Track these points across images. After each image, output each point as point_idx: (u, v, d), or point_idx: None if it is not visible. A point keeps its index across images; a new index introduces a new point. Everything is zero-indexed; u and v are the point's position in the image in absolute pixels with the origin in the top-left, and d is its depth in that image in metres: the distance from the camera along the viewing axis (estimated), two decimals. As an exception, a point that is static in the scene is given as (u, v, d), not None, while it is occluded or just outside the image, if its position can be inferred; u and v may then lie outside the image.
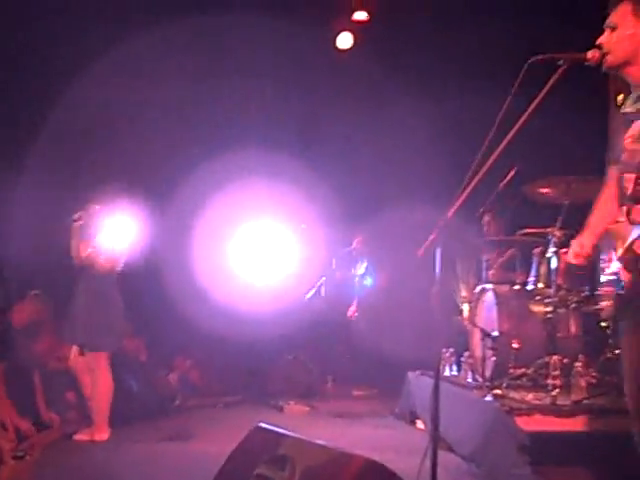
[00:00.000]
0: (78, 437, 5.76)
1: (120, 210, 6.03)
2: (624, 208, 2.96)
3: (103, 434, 5.76)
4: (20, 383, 5.90)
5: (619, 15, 3.01)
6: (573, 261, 3.22)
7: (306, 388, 8.05)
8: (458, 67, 7.93)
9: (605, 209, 3.21)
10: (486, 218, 6.76)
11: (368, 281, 8.90)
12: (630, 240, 2.85)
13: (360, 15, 8.69)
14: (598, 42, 3.04)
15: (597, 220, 3.22)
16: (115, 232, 6.00)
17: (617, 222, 3.00)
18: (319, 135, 9.01)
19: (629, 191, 2.93)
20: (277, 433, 2.91)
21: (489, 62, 7.29)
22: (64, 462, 5.08)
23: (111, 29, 7.42)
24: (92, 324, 5.83)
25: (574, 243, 3.24)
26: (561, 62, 3.00)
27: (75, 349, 5.94)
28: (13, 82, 7.33)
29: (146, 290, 7.47)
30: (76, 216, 6.00)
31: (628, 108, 3.06)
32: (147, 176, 7.95)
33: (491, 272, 6.39)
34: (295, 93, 8.50)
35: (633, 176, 2.93)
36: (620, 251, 2.93)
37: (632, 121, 3.02)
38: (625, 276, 2.91)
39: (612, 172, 3.21)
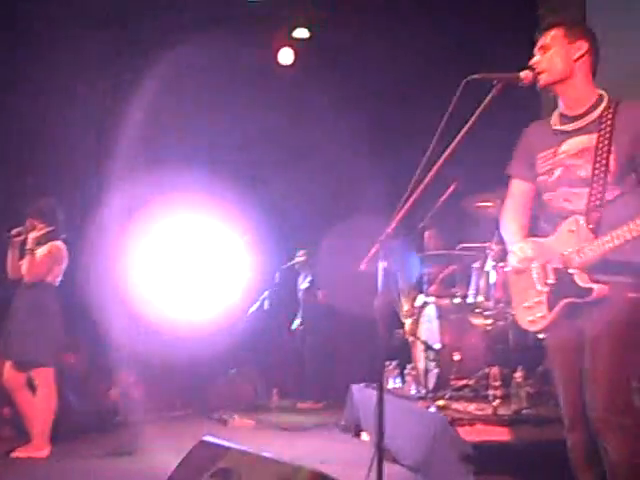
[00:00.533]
0: (16, 454, 5.64)
1: (53, 225, 5.98)
2: (566, 220, 3.05)
3: (43, 451, 5.67)
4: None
5: (551, 37, 3.10)
6: (520, 266, 3.19)
7: (251, 402, 8.05)
8: (398, 83, 8.06)
9: (521, 221, 3.32)
10: (427, 233, 6.87)
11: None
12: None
13: (301, 33, 8.77)
14: (530, 64, 3.14)
15: (518, 230, 3.31)
16: (49, 246, 5.93)
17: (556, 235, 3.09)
18: (261, 150, 9.03)
19: (581, 204, 3.02)
20: (222, 446, 2.92)
21: (428, 79, 7.43)
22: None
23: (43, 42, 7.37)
24: (33, 339, 5.74)
25: (515, 249, 3.24)
26: (495, 82, 3.09)
27: (9, 364, 5.83)
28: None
29: (85, 305, 7.37)
30: (14, 232, 5.92)
31: (565, 126, 3.14)
32: (75, 190, 7.89)
33: (432, 287, 6.49)
34: (236, 108, 8.50)
35: (580, 191, 3.03)
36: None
37: (565, 139, 3.11)
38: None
39: (519, 185, 3.32)
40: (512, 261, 3.24)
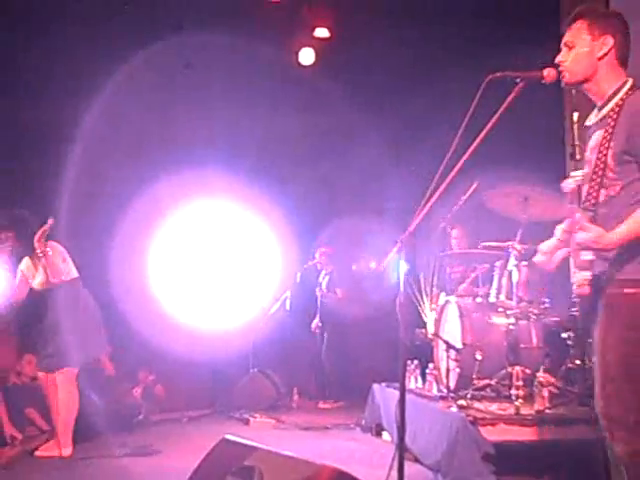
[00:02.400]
0: (40, 453, 5.69)
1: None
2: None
3: (66, 450, 5.71)
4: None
5: (574, 33, 3.06)
6: (539, 259, 3.20)
7: (272, 401, 8.06)
8: (419, 82, 8.04)
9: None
10: (454, 232, 6.84)
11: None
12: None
13: (321, 32, 8.78)
14: (556, 61, 3.11)
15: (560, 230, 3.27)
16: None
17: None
18: (282, 149, 9.06)
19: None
20: (244, 445, 2.92)
21: (450, 77, 7.39)
22: (26, 478, 5.04)
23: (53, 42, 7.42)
24: (57, 342, 5.78)
25: (541, 247, 3.24)
26: (518, 80, 3.07)
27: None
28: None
29: (107, 303, 7.42)
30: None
31: (590, 121, 3.14)
32: (101, 191, 7.93)
33: (462, 287, 6.46)
34: (258, 108, 8.52)
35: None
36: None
37: (591, 134, 3.10)
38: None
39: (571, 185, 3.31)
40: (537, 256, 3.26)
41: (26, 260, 5.90)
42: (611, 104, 3.00)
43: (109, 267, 7.78)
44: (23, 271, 5.94)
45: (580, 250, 2.89)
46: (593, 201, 2.94)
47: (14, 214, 5.95)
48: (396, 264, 3.18)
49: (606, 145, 2.93)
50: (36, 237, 5.68)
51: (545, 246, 3.26)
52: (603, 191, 2.93)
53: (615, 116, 2.94)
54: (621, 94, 3.00)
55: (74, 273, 5.98)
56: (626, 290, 2.88)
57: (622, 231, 2.83)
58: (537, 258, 3.28)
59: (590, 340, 3.15)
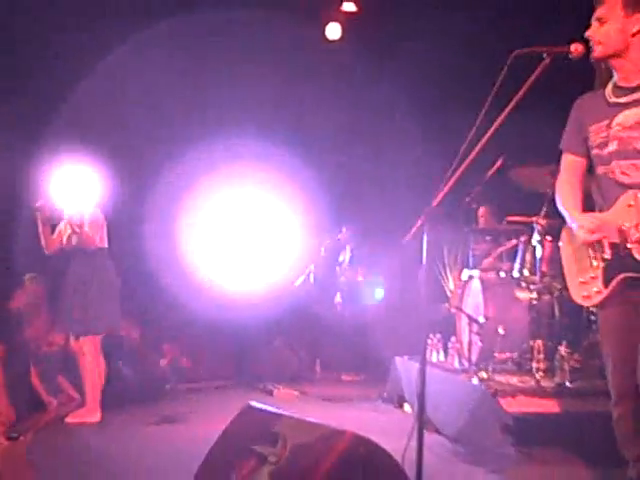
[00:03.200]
0: (70, 419, 5.83)
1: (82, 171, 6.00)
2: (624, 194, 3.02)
3: (95, 416, 5.85)
4: (17, 367, 5.96)
5: (608, 8, 3.05)
6: (592, 238, 3.07)
7: (295, 373, 8.15)
8: (446, 58, 8.00)
9: (577, 195, 3.28)
10: (482, 210, 6.85)
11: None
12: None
13: (349, 6, 8.75)
14: (586, 35, 3.10)
15: (577, 204, 3.26)
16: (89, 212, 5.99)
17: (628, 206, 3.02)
18: (308, 124, 9.07)
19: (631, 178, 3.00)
20: (267, 411, 3.01)
21: (478, 53, 7.36)
22: (57, 444, 5.16)
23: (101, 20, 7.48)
24: (81, 308, 5.90)
25: (581, 221, 3.15)
26: (545, 55, 3.07)
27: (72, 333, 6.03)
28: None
29: (134, 274, 7.53)
30: (39, 204, 5.88)
31: (620, 99, 3.12)
32: (134, 160, 8.01)
33: (488, 260, 6.49)
34: (284, 83, 8.55)
35: (638, 162, 3.02)
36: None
37: (620, 111, 3.09)
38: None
39: (572, 159, 3.30)
40: (584, 234, 3.12)
41: (66, 218, 6.02)
42: None
43: (140, 239, 7.90)
44: (61, 229, 6.08)
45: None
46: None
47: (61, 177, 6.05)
48: (420, 238, 3.21)
49: (617, 120, 2.95)
50: (38, 203, 5.83)
51: (586, 221, 3.15)
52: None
53: None
54: None
55: (105, 243, 6.10)
56: None
57: None
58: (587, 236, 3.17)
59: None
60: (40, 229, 5.96)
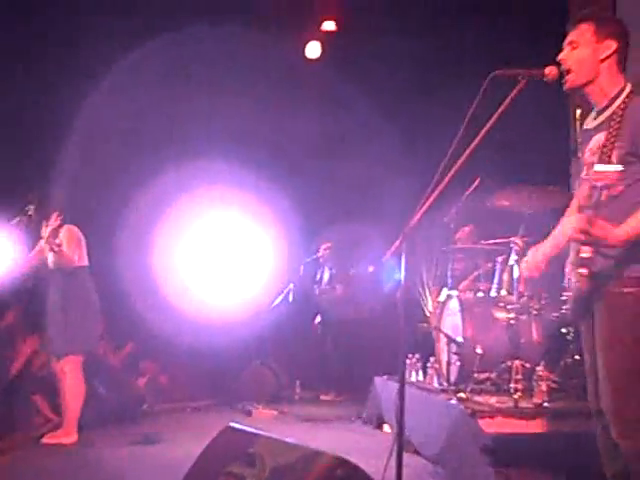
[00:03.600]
0: (47, 440, 5.77)
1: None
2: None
3: (71, 437, 5.79)
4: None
5: (580, 34, 3.11)
6: (525, 274, 3.33)
7: (274, 393, 8.12)
8: (425, 76, 8.08)
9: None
10: (465, 229, 6.88)
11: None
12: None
13: (329, 25, 8.82)
14: (558, 58, 3.16)
15: (559, 231, 3.32)
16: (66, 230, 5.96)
17: None
18: (287, 143, 9.10)
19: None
20: (246, 432, 2.99)
21: (454, 73, 7.44)
22: (33, 464, 5.12)
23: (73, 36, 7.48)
24: (61, 328, 5.85)
25: (529, 254, 3.34)
26: (520, 77, 3.12)
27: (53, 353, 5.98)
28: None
29: (112, 293, 7.49)
30: (14, 222, 5.94)
31: (589, 125, 3.19)
32: (107, 183, 8.00)
33: (465, 283, 6.51)
34: (263, 103, 8.58)
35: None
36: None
37: (591, 136, 3.15)
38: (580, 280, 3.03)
39: (576, 186, 3.36)
40: (522, 267, 3.44)
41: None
42: (614, 107, 3.06)
43: (115, 258, 7.86)
44: (43, 248, 6.03)
45: (580, 246, 2.94)
46: (594, 200, 2.98)
47: (41, 192, 6.08)
48: (398, 257, 3.23)
49: (610, 147, 2.98)
50: (46, 234, 5.78)
51: (531, 257, 3.33)
52: (605, 191, 2.98)
53: (619, 119, 2.99)
54: (622, 97, 3.06)
55: (85, 261, 6.06)
56: (626, 289, 2.93)
57: (630, 227, 2.87)
58: (524, 269, 3.35)
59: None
60: (12, 248, 6.00)
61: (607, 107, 3.10)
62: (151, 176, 8.20)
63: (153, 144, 8.45)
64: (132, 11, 7.71)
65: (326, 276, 9.00)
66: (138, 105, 8.09)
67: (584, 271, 2.91)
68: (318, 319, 8.93)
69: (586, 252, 2.89)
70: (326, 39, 9.03)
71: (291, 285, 8.87)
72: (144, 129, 8.40)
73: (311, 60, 9.06)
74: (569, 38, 3.16)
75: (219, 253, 9.10)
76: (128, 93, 7.96)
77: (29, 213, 5.97)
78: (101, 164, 8.04)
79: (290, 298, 8.81)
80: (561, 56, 3.15)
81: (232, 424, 3.10)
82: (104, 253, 7.32)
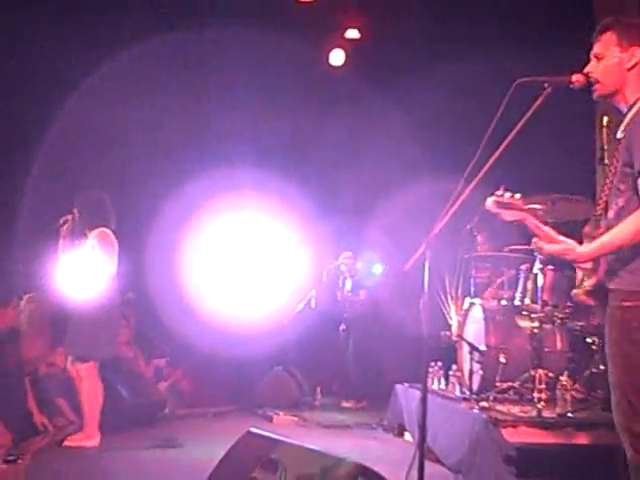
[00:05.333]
0: (68, 443, 5.79)
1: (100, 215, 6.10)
2: None
3: (94, 440, 5.82)
4: (11, 388, 5.93)
5: (603, 44, 3.08)
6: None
7: (295, 399, 8.12)
8: (448, 84, 8.05)
9: None
10: (479, 238, 6.84)
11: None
12: None
13: (352, 33, 8.84)
14: (585, 71, 3.13)
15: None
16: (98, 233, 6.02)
17: None
18: (311, 151, 9.11)
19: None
20: (267, 438, 2.99)
21: (478, 82, 7.41)
22: (55, 467, 5.14)
23: (102, 46, 7.55)
24: (77, 332, 5.90)
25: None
26: (546, 85, 3.10)
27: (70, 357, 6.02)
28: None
29: (139, 300, 7.55)
30: (62, 220, 6.09)
31: (619, 134, 3.16)
32: (134, 190, 8.06)
33: (489, 290, 6.47)
34: (287, 109, 8.60)
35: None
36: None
37: (618, 144, 3.12)
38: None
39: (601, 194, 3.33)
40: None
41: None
42: (630, 115, 3.03)
43: (142, 264, 7.91)
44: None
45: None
46: (602, 212, 2.97)
47: (87, 195, 6.20)
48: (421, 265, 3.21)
49: (617, 156, 2.96)
50: (61, 221, 5.95)
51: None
52: (614, 202, 2.95)
53: (628, 127, 2.98)
54: (637, 107, 3.02)
55: (114, 270, 6.11)
56: (625, 303, 2.90)
57: (595, 245, 2.90)
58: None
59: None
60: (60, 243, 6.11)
61: (626, 115, 3.07)
62: (179, 184, 8.26)
63: (180, 152, 8.51)
64: (161, 24, 7.78)
65: (348, 284, 8.98)
66: (164, 114, 8.15)
67: (592, 281, 2.90)
68: (343, 327, 8.90)
69: (588, 265, 2.89)
70: (350, 47, 9.04)
71: (313, 292, 8.86)
72: (171, 137, 8.45)
73: (335, 67, 9.08)
74: (594, 50, 3.12)
75: (242, 259, 9.12)
76: (157, 102, 8.03)
77: (73, 216, 6.11)
78: (129, 172, 8.12)
79: (312, 305, 8.80)
80: (588, 68, 3.12)
81: (253, 429, 3.09)
82: (132, 260, 7.38)
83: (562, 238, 2.97)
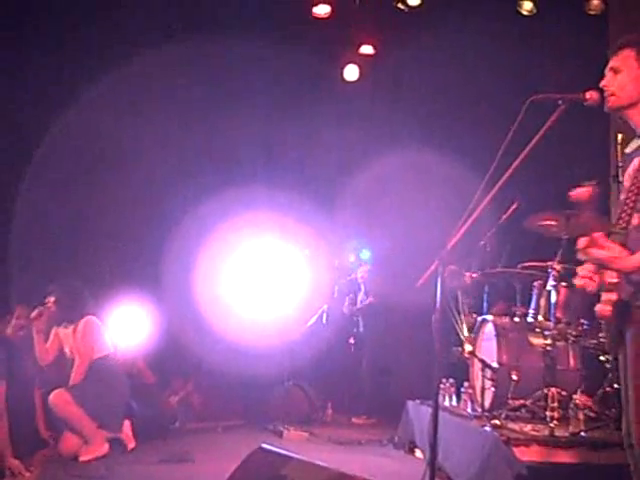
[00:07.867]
0: (83, 458, 5.76)
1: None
2: None
3: (102, 448, 5.83)
4: (21, 401, 5.91)
5: (622, 59, 3.10)
6: (579, 282, 3.10)
7: (306, 414, 8.08)
8: (463, 102, 8.05)
9: None
10: (492, 253, 6.81)
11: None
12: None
13: (366, 49, 8.87)
14: (601, 85, 3.13)
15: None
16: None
17: None
18: (325, 165, 9.13)
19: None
20: (277, 454, 2.97)
21: (492, 98, 7.41)
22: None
23: (109, 64, 7.61)
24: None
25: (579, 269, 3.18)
26: (560, 101, 3.09)
27: None
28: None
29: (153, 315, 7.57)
30: (35, 314, 5.94)
31: (628, 149, 3.16)
32: (150, 209, 8.10)
33: (501, 307, 6.44)
34: (302, 124, 8.62)
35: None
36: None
37: (632, 160, 3.11)
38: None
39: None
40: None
41: (64, 326, 6.12)
42: None
43: (156, 281, 7.94)
44: (59, 335, 6.14)
45: (604, 270, 2.89)
46: (624, 225, 2.93)
47: (65, 283, 6.22)
48: (435, 281, 3.20)
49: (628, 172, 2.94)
50: (33, 314, 5.89)
51: (584, 270, 3.23)
52: (636, 216, 2.93)
53: None
54: None
55: (107, 348, 6.15)
56: None
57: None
58: (577, 281, 3.24)
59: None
60: (35, 340, 5.99)
61: None
62: (194, 204, 8.30)
63: (195, 172, 8.55)
64: (177, 40, 7.83)
65: (361, 294, 8.97)
66: (178, 134, 8.20)
67: (612, 297, 2.86)
68: (352, 340, 8.87)
69: (613, 277, 2.84)
70: (364, 62, 9.07)
71: (325, 306, 8.85)
72: (187, 155, 8.50)
73: (349, 83, 9.10)
74: (611, 64, 3.14)
75: (253, 274, 9.12)
76: (172, 123, 8.08)
77: (48, 305, 6.04)
78: (145, 192, 8.16)
79: (324, 319, 8.78)
80: (604, 82, 3.13)
81: (264, 445, 3.08)
82: (148, 276, 7.42)
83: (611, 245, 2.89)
